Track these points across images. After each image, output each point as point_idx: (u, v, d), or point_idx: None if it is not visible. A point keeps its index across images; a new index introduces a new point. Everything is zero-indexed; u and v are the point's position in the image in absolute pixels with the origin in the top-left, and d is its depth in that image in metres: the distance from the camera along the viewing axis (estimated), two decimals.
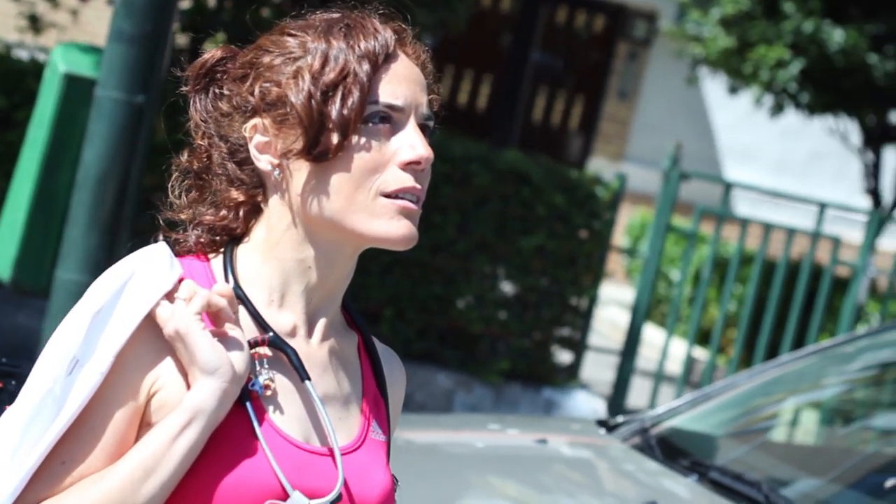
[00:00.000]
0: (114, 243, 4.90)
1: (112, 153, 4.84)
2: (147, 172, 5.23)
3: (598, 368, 10.08)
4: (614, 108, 19.21)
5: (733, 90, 13.30)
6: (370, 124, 1.71)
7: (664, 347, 9.06)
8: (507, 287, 8.73)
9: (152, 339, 1.64)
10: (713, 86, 16.51)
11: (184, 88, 1.85)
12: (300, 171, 1.72)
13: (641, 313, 8.96)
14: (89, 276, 4.79)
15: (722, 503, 3.81)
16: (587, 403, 8.76)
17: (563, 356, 9.08)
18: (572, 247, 8.58)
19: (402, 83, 1.75)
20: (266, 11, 7.51)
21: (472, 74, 19.35)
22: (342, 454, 1.73)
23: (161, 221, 1.84)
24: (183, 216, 1.84)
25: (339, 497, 1.69)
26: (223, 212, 1.80)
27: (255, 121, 1.74)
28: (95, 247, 4.85)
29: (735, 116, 18.61)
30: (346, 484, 1.72)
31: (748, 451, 4.62)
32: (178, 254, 1.77)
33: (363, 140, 1.71)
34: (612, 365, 9.58)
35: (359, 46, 1.74)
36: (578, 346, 9.02)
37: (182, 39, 7.98)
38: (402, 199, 1.73)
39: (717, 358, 9.21)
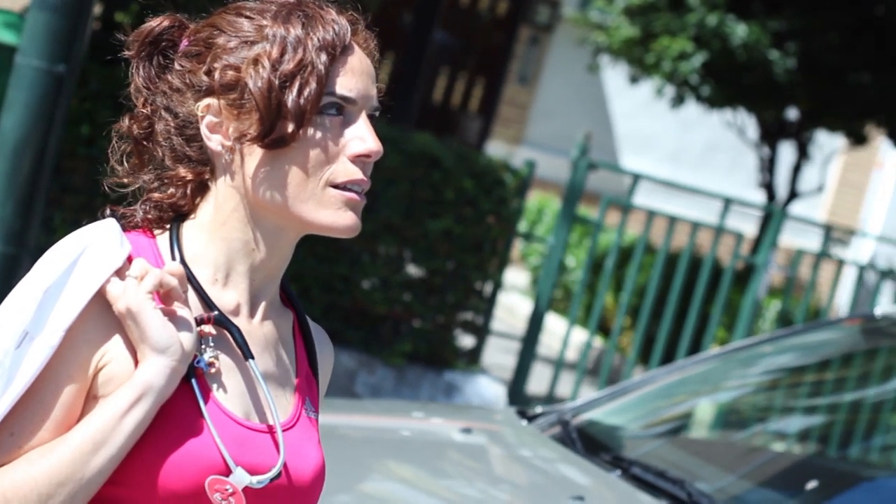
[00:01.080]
0: (29, 212, 4.86)
1: (31, 122, 4.80)
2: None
3: (497, 353, 10.13)
4: (514, 92, 19.29)
5: (634, 80, 13.43)
6: (324, 115, 1.74)
7: (566, 336, 9.13)
8: (413, 269, 8.72)
9: (101, 315, 1.68)
10: (613, 74, 16.64)
11: (126, 53, 1.85)
12: (252, 155, 1.75)
13: (544, 301, 9.01)
14: (3, 245, 4.73)
15: (646, 500, 3.84)
16: (488, 388, 8.79)
17: (466, 340, 9.09)
18: (479, 232, 8.58)
19: (356, 75, 1.79)
20: None
21: None
22: None
23: (106, 188, 1.86)
24: (126, 181, 1.86)
25: (280, 473, 1.74)
26: (171, 189, 1.82)
27: (209, 101, 1.76)
28: (11, 215, 4.79)
29: (633, 105, 18.81)
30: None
31: (667, 446, 4.68)
32: (124, 229, 1.78)
33: (316, 131, 1.74)
34: (511, 349, 9.62)
35: (317, 36, 1.76)
36: (481, 331, 9.04)
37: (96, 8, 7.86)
38: (349, 190, 1.78)
39: (613, 346, 9.29)
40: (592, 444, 4.22)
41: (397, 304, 8.52)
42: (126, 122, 1.85)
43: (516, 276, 14.84)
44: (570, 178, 8.97)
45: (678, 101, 12.61)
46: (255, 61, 1.73)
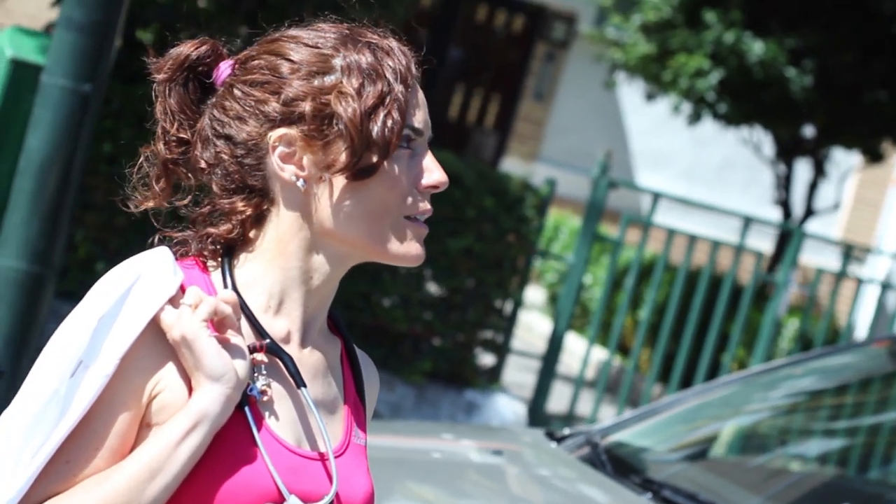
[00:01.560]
0: (55, 231, 4.86)
1: (57, 141, 4.81)
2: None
3: (516, 371, 10.12)
4: (530, 108, 19.31)
5: (650, 97, 13.42)
6: (399, 147, 1.75)
7: (585, 354, 9.11)
8: (433, 287, 8.72)
9: (155, 343, 1.69)
10: (629, 91, 16.64)
11: (158, 77, 1.85)
12: (331, 186, 1.75)
13: (565, 320, 9.00)
14: (28, 264, 4.74)
15: None
16: (508, 406, 8.79)
17: (486, 358, 9.09)
18: (499, 250, 8.59)
19: (422, 107, 1.80)
20: (203, 2, 7.39)
21: None
22: None
23: (132, 207, 1.87)
24: (151, 204, 1.86)
25: (332, 502, 1.75)
26: (226, 225, 1.81)
27: (283, 131, 1.75)
28: (36, 234, 4.80)
29: (649, 122, 18.81)
30: None
31: (696, 468, 4.67)
32: (176, 257, 1.79)
33: (394, 163, 1.74)
34: (530, 368, 9.60)
35: (390, 66, 1.76)
36: (501, 350, 9.03)
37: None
38: (418, 221, 1.78)
39: (633, 365, 9.27)
40: (622, 466, 4.22)
41: (417, 322, 8.52)
42: (159, 146, 1.85)
43: (532, 294, 14.83)
44: (590, 196, 8.96)
45: (695, 118, 12.61)
46: (340, 91, 1.72)
